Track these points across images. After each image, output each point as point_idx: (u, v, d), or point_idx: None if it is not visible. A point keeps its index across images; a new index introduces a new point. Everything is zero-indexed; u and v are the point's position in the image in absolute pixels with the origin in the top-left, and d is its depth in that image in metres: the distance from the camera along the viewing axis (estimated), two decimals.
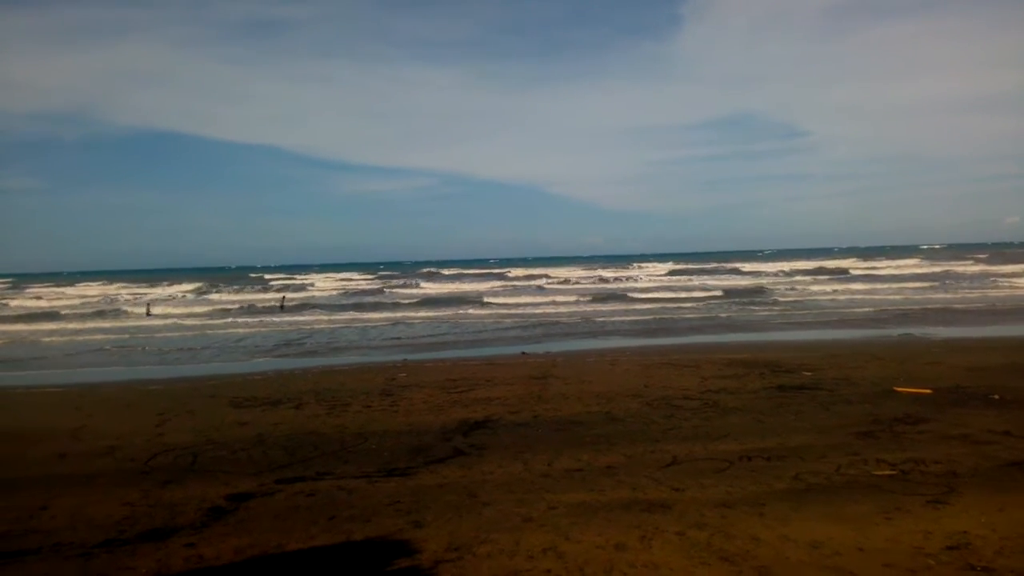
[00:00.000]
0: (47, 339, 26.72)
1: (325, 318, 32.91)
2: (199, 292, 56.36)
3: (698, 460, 7.43)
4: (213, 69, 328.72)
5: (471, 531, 5.54)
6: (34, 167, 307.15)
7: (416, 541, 5.38)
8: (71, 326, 32.15)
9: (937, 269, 55.96)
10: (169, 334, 27.44)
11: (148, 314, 37.46)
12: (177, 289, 59.47)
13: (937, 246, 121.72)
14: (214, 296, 50.91)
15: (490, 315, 32.41)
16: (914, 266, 61.32)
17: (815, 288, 43.24)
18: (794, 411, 9.78)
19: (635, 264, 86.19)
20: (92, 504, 6.61)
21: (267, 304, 42.99)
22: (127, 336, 26.84)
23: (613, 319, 28.40)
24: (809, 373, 12.81)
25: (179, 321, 33.38)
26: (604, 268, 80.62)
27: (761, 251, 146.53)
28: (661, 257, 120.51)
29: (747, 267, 72.03)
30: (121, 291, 57.23)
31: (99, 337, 26.78)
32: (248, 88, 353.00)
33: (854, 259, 78.26)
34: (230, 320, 33.35)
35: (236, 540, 5.55)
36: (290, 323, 31.03)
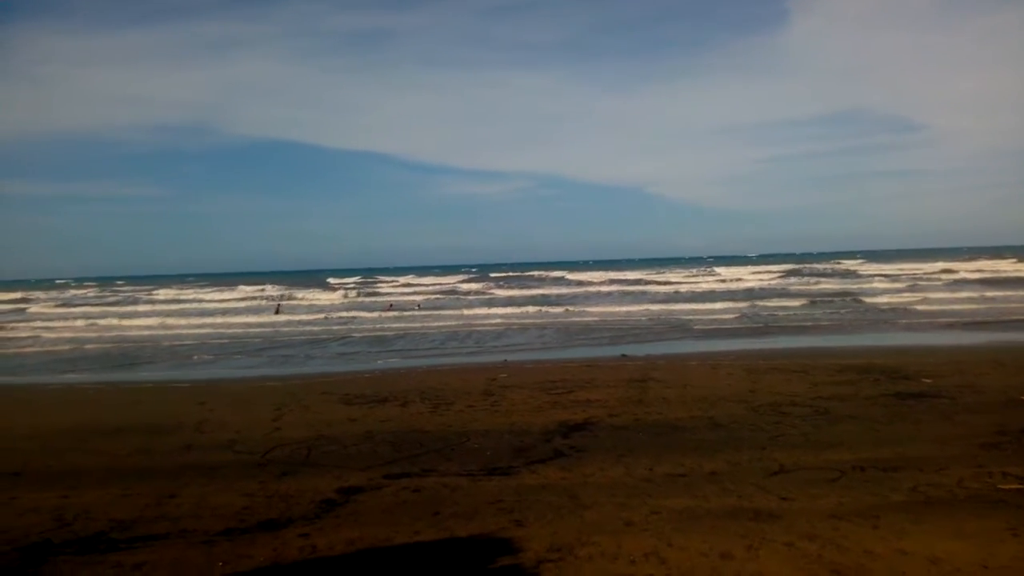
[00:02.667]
0: (182, 343, 28.59)
1: (428, 322, 33.70)
2: (317, 292, 58.87)
3: (808, 469, 7.18)
4: (322, 79, 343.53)
5: (572, 533, 5.57)
6: (158, 176, 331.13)
7: (518, 540, 5.45)
8: (197, 330, 34.25)
9: None
10: (293, 335, 28.82)
11: (277, 312, 39.80)
12: (294, 290, 62.19)
13: None
14: (324, 300, 53.03)
15: (589, 320, 32.31)
16: None
17: (936, 290, 40.77)
18: (912, 420, 9.29)
19: (736, 266, 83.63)
20: (215, 494, 7.05)
21: (376, 305, 44.51)
22: (250, 334, 28.39)
23: (713, 325, 27.77)
24: (929, 380, 12.12)
25: (305, 326, 34.93)
26: (708, 270, 78.73)
27: (876, 250, 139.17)
28: (771, 258, 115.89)
29: (861, 267, 68.70)
30: (228, 295, 60.32)
31: (221, 341, 28.39)
32: (355, 97, 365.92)
33: (981, 259, 73.14)
34: (341, 320, 34.69)
35: (347, 532, 5.79)
36: (395, 325, 31.96)
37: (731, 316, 30.02)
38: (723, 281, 57.56)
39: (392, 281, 76.06)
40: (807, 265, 75.41)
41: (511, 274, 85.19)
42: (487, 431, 9.46)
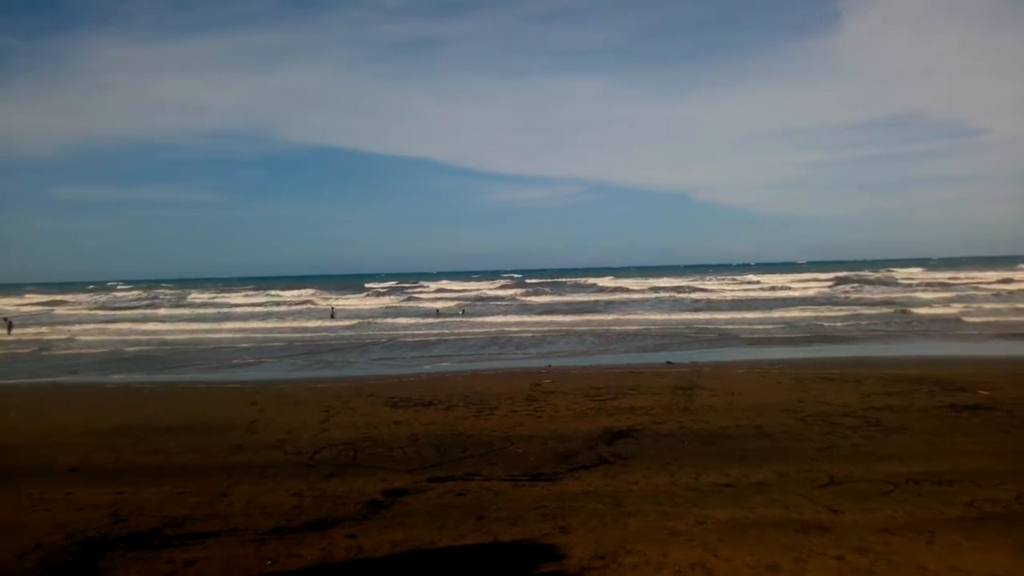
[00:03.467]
0: (234, 345, 29.21)
1: (470, 328, 33.86)
2: (358, 297, 59.76)
3: (858, 481, 7.02)
4: (372, 87, 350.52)
5: (616, 540, 5.54)
6: (212, 182, 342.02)
7: (562, 547, 5.44)
8: (243, 334, 34.94)
9: None
10: (338, 339, 29.22)
11: (333, 316, 40.68)
12: (335, 294, 63.15)
13: None
14: (367, 305, 53.70)
15: (631, 327, 32.10)
16: None
17: (993, 301, 39.49)
18: (968, 433, 9.02)
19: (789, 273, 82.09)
20: (264, 493, 7.19)
21: (416, 311, 44.95)
22: (306, 337, 28.89)
23: (759, 334, 27.32)
24: (985, 392, 11.75)
25: (348, 330, 35.36)
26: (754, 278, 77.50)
27: (932, 258, 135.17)
28: (821, 265, 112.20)
29: (915, 276, 66.99)
30: (271, 298, 61.46)
31: (279, 342, 28.91)
32: (404, 104, 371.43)
33: None
34: (383, 326, 35.08)
35: (392, 534, 5.85)
36: (438, 330, 32.19)
37: (778, 324, 29.52)
38: (772, 289, 56.65)
39: (426, 287, 76.56)
40: (857, 273, 73.76)
41: (552, 280, 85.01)
42: (531, 436, 9.47)
